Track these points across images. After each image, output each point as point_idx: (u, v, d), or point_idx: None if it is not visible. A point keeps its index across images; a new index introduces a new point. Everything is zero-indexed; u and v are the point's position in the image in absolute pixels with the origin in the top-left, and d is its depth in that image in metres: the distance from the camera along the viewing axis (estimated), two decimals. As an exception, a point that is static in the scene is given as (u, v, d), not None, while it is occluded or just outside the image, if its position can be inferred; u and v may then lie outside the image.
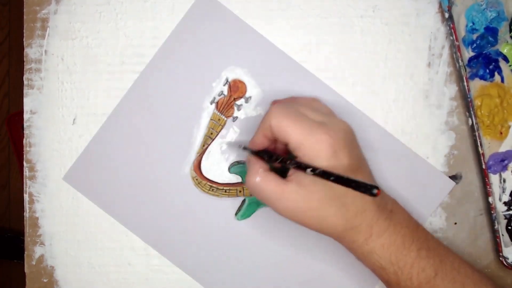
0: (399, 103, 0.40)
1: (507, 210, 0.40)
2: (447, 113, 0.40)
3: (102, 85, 0.41)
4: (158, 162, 0.41)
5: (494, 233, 0.39)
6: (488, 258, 0.40)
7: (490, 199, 0.39)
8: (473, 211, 0.40)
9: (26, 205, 0.42)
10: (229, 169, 0.41)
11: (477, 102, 0.39)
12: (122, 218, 0.41)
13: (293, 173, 0.32)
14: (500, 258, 0.39)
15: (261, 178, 0.32)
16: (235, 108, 0.40)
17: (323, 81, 0.40)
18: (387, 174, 0.39)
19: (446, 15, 0.39)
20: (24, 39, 0.41)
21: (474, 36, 0.39)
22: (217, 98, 0.40)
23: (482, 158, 0.39)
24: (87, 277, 0.42)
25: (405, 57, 0.40)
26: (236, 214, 0.41)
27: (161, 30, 0.40)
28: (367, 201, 0.31)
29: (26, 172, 0.41)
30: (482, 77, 0.39)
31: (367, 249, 0.32)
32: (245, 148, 0.36)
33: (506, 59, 0.39)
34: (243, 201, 0.40)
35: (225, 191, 0.40)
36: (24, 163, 0.41)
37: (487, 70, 0.39)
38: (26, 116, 0.41)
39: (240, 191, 0.40)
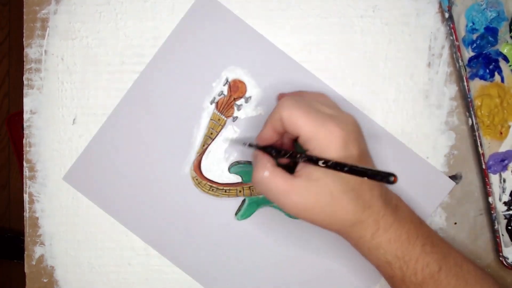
0: (399, 103, 0.40)
1: (507, 210, 0.40)
2: (447, 113, 0.40)
3: (102, 85, 0.41)
4: (158, 162, 0.41)
5: (494, 233, 0.39)
6: (488, 258, 0.40)
7: (490, 199, 0.39)
8: (473, 211, 0.40)
9: (26, 205, 0.42)
10: (229, 169, 0.41)
11: (477, 102, 0.39)
12: (122, 218, 0.41)
13: (301, 168, 0.31)
14: (500, 258, 0.39)
15: (270, 172, 0.31)
16: (235, 108, 0.40)
17: (323, 81, 0.40)
18: (387, 174, 0.39)
19: (446, 15, 0.39)
20: (24, 39, 0.41)
21: (474, 36, 0.39)
22: (217, 98, 0.40)
23: (482, 158, 0.39)
24: (87, 277, 0.42)
25: (405, 57, 0.40)
26: (236, 214, 0.41)
27: (161, 30, 0.40)
28: (374, 196, 0.31)
29: (26, 172, 0.41)
30: (482, 77, 0.39)
31: (374, 244, 0.32)
32: (250, 145, 0.36)
33: (506, 59, 0.39)
34: (243, 201, 0.41)
35: (225, 191, 0.40)
36: (24, 163, 0.41)
37: (487, 70, 0.39)
38: (26, 116, 0.41)
39: (240, 191, 0.40)
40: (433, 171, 0.40)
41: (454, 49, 0.39)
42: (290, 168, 0.33)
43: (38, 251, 0.42)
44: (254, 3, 0.40)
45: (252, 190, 0.40)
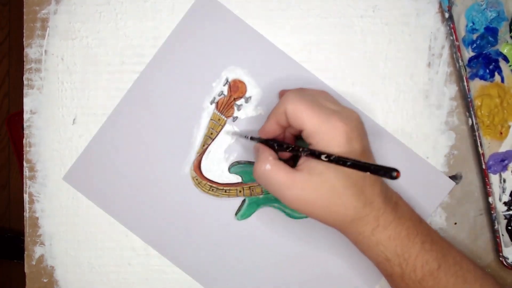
0: (399, 103, 0.40)
1: (507, 210, 0.40)
2: (447, 113, 0.40)
3: (102, 85, 0.41)
4: (158, 162, 0.41)
5: (494, 233, 0.39)
6: (488, 258, 0.40)
7: (490, 199, 0.39)
8: (473, 211, 0.40)
9: (26, 205, 0.42)
10: (229, 169, 0.41)
11: (477, 102, 0.39)
12: (122, 218, 0.41)
13: (303, 162, 0.31)
14: (500, 258, 0.39)
15: (271, 165, 0.31)
16: (235, 108, 0.40)
17: (323, 81, 0.40)
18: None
19: (446, 15, 0.39)
20: (24, 39, 0.41)
21: (474, 36, 0.39)
22: (217, 98, 0.40)
23: (482, 158, 0.39)
24: (87, 277, 0.42)
25: (405, 57, 0.40)
26: (236, 214, 0.41)
27: (161, 30, 0.40)
28: (375, 192, 0.31)
29: (26, 172, 0.41)
30: (482, 77, 0.39)
31: (373, 241, 0.32)
32: (252, 138, 0.36)
33: (506, 59, 0.39)
34: (243, 201, 0.40)
35: (225, 191, 0.40)
36: (24, 163, 0.41)
37: (487, 70, 0.39)
38: (26, 116, 0.41)
39: (240, 191, 0.40)
40: (433, 171, 0.40)
41: (454, 49, 0.39)
42: (293, 161, 0.33)
43: (38, 251, 0.42)
44: (254, 3, 0.40)
45: (252, 190, 0.40)
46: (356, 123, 0.31)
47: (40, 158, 0.41)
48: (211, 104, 0.40)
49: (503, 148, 0.39)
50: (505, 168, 0.40)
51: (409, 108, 0.40)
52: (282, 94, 0.37)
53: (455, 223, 0.40)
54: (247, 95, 0.40)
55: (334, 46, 0.40)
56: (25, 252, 0.42)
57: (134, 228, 0.41)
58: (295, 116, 0.31)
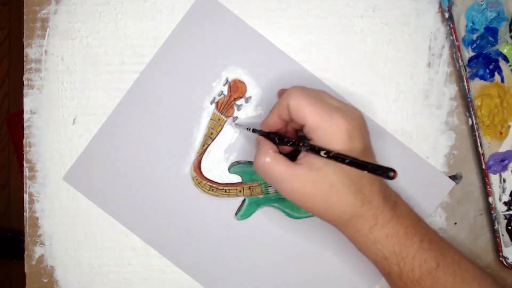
0: (399, 103, 0.40)
1: (507, 210, 0.40)
2: (447, 113, 0.40)
3: (102, 85, 0.41)
4: (158, 162, 0.41)
5: (494, 233, 0.39)
6: (488, 258, 0.40)
7: (490, 199, 0.39)
8: (473, 211, 0.40)
9: (26, 205, 0.42)
10: (229, 169, 0.41)
11: (477, 102, 0.39)
12: (122, 218, 0.41)
13: (303, 157, 0.32)
14: (500, 258, 0.39)
15: (271, 158, 0.32)
16: (235, 108, 0.40)
17: (323, 81, 0.40)
18: (387, 174, 0.39)
19: (446, 15, 0.39)
20: (24, 39, 0.41)
21: (474, 36, 0.39)
22: (217, 98, 0.40)
23: (482, 158, 0.39)
24: (87, 277, 0.42)
25: (405, 57, 0.40)
26: (236, 214, 0.41)
27: (161, 30, 0.40)
28: (373, 191, 0.31)
29: (26, 172, 0.41)
30: (482, 77, 0.39)
31: (371, 239, 0.32)
32: (254, 130, 0.36)
33: (506, 59, 0.39)
34: (243, 201, 0.40)
35: (225, 191, 0.40)
36: (24, 163, 0.41)
37: (487, 70, 0.39)
38: (26, 116, 0.41)
39: (240, 191, 0.40)
40: (433, 171, 0.40)
41: (454, 49, 0.39)
42: (293, 156, 0.33)
43: (38, 251, 0.42)
44: (254, 3, 0.40)
45: (252, 190, 0.40)
46: (358, 121, 0.31)
47: (40, 158, 0.41)
48: (211, 104, 0.40)
49: (503, 148, 0.39)
50: (505, 168, 0.40)
51: (409, 108, 0.40)
52: (281, 93, 0.37)
53: (455, 223, 0.40)
54: (247, 95, 0.40)
55: (334, 46, 0.40)
56: (25, 252, 0.42)
57: (134, 228, 0.41)
58: (297, 111, 0.31)
